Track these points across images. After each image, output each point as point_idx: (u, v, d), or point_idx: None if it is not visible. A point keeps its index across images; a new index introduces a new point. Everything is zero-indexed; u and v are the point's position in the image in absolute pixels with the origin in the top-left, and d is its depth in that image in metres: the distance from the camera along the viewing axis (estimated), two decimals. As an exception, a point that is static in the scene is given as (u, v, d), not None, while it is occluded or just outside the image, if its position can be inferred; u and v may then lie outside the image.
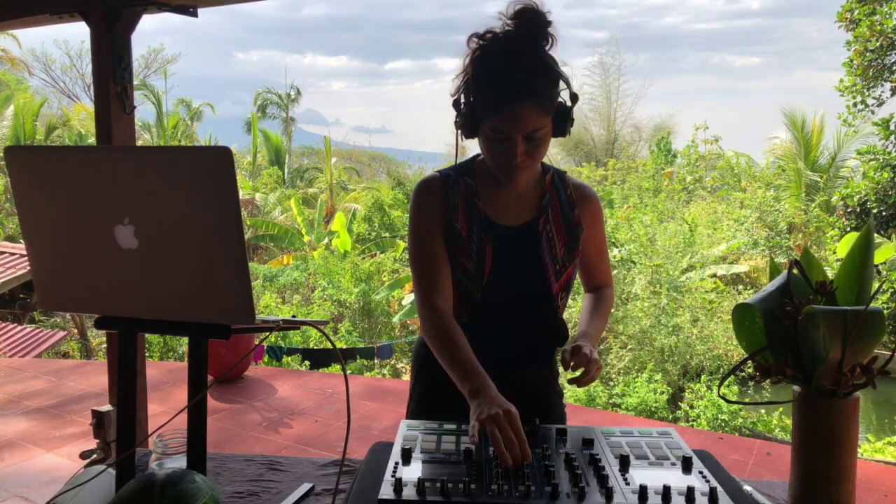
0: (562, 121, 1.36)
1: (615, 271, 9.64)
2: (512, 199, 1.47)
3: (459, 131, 1.40)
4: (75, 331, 10.43)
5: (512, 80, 1.28)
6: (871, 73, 10.82)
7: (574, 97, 1.37)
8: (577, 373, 1.36)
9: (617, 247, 10.17)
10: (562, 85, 1.35)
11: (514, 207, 1.47)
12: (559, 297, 1.50)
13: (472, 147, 1.46)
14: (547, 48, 1.33)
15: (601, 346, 9.37)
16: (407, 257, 14.71)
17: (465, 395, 1.23)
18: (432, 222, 1.45)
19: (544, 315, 1.50)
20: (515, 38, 1.31)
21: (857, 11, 10.70)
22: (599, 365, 1.38)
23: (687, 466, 1.10)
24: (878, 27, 10.41)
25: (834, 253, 9.88)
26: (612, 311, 8.68)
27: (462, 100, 1.38)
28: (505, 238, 1.45)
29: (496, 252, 1.44)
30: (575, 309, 9.09)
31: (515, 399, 1.22)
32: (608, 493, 1.00)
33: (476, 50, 1.33)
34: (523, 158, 1.33)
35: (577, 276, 1.58)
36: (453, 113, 1.40)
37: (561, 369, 1.53)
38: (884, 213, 10.07)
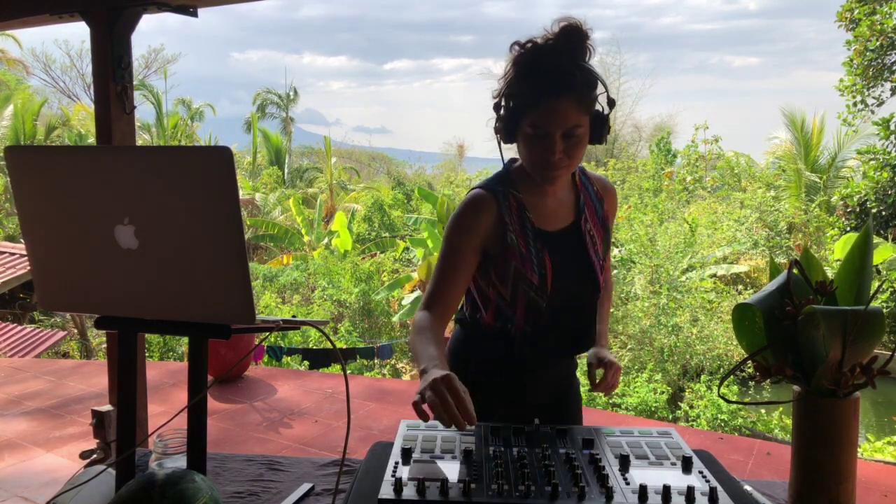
0: (599, 126, 1.39)
1: (615, 271, 9.62)
2: (552, 204, 1.50)
3: (499, 136, 1.43)
4: (75, 331, 10.43)
5: (552, 75, 1.32)
6: (870, 73, 10.83)
7: (612, 102, 1.40)
8: (598, 379, 1.58)
9: (617, 247, 10.16)
10: (600, 89, 1.38)
11: (556, 212, 1.50)
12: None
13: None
14: (586, 59, 1.38)
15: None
16: (406, 257, 14.75)
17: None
18: (468, 241, 1.44)
19: (594, 310, 1.58)
20: (556, 45, 1.35)
21: (857, 11, 10.71)
22: (619, 367, 1.59)
23: (687, 466, 1.10)
24: (878, 27, 10.42)
25: (833, 252, 9.89)
26: (612, 311, 8.55)
27: (503, 103, 1.41)
28: (556, 244, 1.49)
29: (556, 262, 1.47)
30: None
31: (543, 398, 1.53)
32: (608, 493, 1.00)
33: (518, 55, 1.37)
34: (562, 157, 1.35)
35: None
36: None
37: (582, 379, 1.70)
38: (883, 213, 10.08)
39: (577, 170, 1.54)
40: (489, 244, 1.45)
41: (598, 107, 1.39)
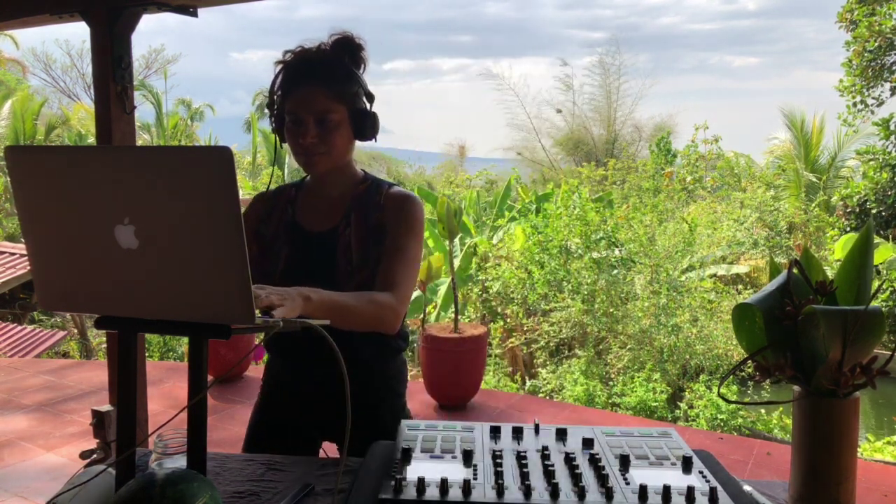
0: (360, 120, 1.45)
1: (615, 271, 9.61)
2: (322, 206, 1.54)
3: (277, 136, 1.50)
4: (75, 331, 10.42)
5: (302, 66, 1.43)
6: (870, 73, 10.84)
7: (370, 96, 1.48)
8: None
9: (617, 247, 10.15)
10: (355, 86, 1.45)
11: (324, 214, 1.53)
12: None
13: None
14: (358, 70, 1.48)
15: (601, 346, 9.35)
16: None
17: None
18: (249, 231, 1.56)
19: None
20: (322, 50, 1.46)
21: (856, 12, 10.72)
22: (280, 295, 1.15)
23: (687, 466, 1.10)
24: (878, 27, 10.42)
25: (833, 252, 9.89)
26: (612, 310, 8.48)
27: (274, 103, 1.48)
28: (304, 242, 1.50)
29: (291, 255, 1.50)
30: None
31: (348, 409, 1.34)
32: (608, 493, 1.00)
33: (283, 56, 1.46)
34: (315, 142, 1.41)
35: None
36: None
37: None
38: (883, 214, 10.08)
39: (370, 180, 1.55)
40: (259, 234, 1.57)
41: (361, 105, 1.46)
